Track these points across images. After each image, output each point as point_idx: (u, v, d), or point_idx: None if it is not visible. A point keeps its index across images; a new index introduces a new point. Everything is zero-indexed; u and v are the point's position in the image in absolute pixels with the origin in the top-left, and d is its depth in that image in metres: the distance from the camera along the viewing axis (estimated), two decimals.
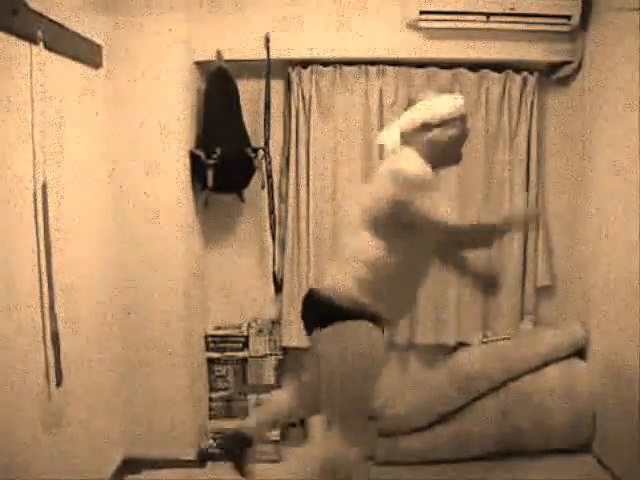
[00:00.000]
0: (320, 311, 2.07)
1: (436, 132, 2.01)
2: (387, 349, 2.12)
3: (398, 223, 1.95)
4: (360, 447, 2.05)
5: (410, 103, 2.12)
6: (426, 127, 2.01)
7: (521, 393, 2.83)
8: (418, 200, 1.89)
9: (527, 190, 3.07)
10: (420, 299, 3.04)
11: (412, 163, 1.96)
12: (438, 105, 2.03)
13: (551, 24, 2.79)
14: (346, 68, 2.96)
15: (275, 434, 2.93)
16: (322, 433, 2.27)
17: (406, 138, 2.05)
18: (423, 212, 1.90)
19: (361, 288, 1.99)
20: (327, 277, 2.12)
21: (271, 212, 3.02)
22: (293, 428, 3.03)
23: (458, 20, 2.77)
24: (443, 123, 2.01)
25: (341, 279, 2.03)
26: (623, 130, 2.61)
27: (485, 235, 2.10)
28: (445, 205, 1.93)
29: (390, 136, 2.11)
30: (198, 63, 2.86)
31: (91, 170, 2.46)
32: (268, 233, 3.06)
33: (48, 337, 2.02)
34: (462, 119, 2.06)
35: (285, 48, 2.84)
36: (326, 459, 2.10)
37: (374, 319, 2.02)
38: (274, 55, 2.84)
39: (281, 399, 2.49)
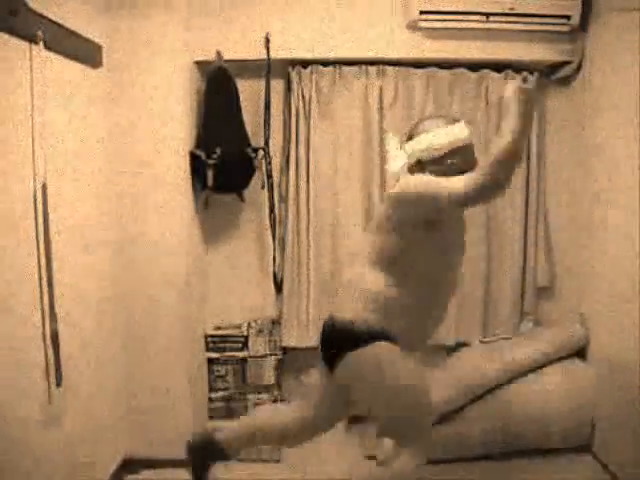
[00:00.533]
0: (336, 341, 1.97)
1: (434, 168, 1.94)
2: (417, 363, 2.01)
3: (407, 246, 1.89)
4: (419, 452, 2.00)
5: (412, 131, 2.03)
6: (427, 162, 1.95)
7: (521, 393, 2.83)
8: (413, 180, 1.85)
9: (527, 190, 3.07)
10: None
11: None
12: (439, 139, 1.93)
13: (551, 24, 2.79)
14: (346, 68, 2.96)
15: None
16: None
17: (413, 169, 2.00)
18: (427, 188, 1.79)
19: (375, 318, 1.91)
20: (337, 310, 2.02)
21: (271, 212, 3.02)
22: None
23: (458, 20, 2.77)
24: (445, 156, 1.93)
25: (352, 313, 1.94)
26: (623, 130, 2.61)
27: (511, 161, 1.72)
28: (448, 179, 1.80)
29: (397, 163, 2.02)
30: (198, 63, 2.86)
31: (91, 170, 2.46)
32: (268, 233, 3.06)
33: (48, 337, 2.02)
34: (467, 149, 1.95)
35: (285, 48, 2.84)
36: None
37: (390, 340, 1.92)
38: (274, 55, 2.84)
39: (276, 413, 2.30)
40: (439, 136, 1.94)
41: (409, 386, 1.96)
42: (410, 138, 2.02)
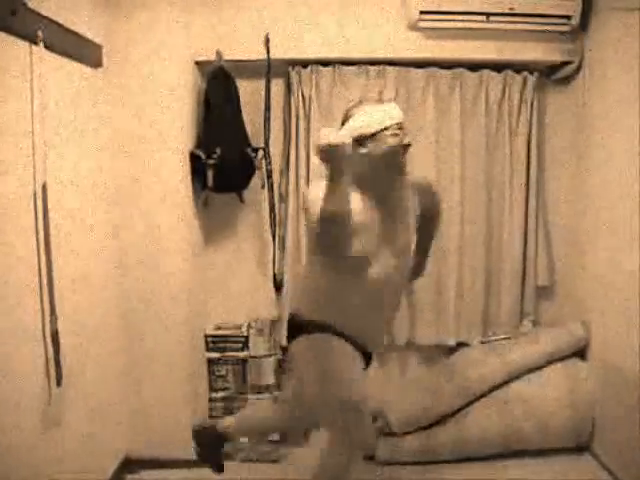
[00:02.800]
0: (289, 330, 2.16)
1: (370, 146, 1.93)
2: (350, 356, 2.06)
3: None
4: (352, 446, 2.06)
5: (346, 115, 2.02)
6: (360, 141, 1.93)
7: (521, 393, 2.83)
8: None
9: (527, 190, 3.07)
10: (420, 299, 3.07)
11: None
12: (369, 117, 1.94)
13: (551, 24, 2.79)
14: (346, 68, 2.96)
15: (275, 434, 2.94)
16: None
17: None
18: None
19: (309, 304, 2.07)
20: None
21: (271, 212, 3.02)
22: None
23: (458, 20, 2.77)
24: (376, 134, 1.92)
25: (297, 298, 2.16)
26: (623, 130, 2.61)
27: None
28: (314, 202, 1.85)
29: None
30: (198, 63, 2.86)
31: (90, 170, 2.46)
32: (268, 233, 3.06)
33: (48, 337, 2.02)
34: (399, 128, 1.94)
35: (285, 48, 2.84)
36: (321, 459, 2.15)
37: (332, 332, 2.02)
38: (274, 55, 2.84)
39: (266, 409, 2.55)
40: (371, 114, 1.94)
41: (335, 378, 2.03)
42: (344, 122, 2.01)
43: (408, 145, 1.95)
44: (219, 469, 2.51)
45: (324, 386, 2.03)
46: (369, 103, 2.04)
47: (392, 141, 1.92)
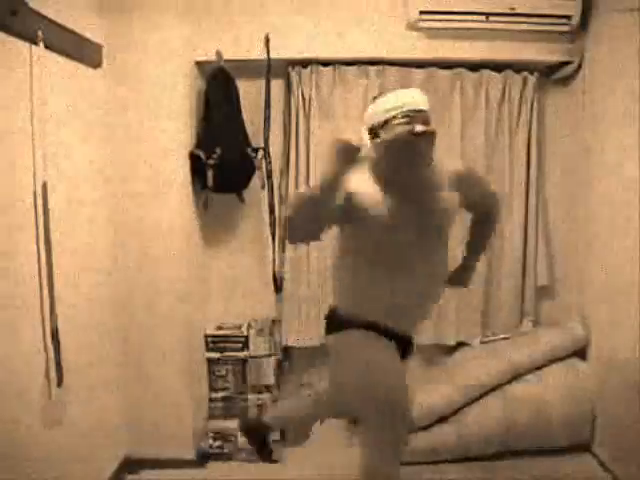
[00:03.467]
0: (326, 323, 2.12)
1: (382, 134, 1.83)
2: (392, 356, 1.98)
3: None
4: (393, 457, 1.94)
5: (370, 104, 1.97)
6: (372, 132, 1.86)
7: (521, 393, 2.83)
8: None
9: (527, 189, 3.07)
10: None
11: None
12: (376, 106, 1.85)
13: (551, 24, 2.79)
14: (346, 68, 2.96)
15: (275, 434, 2.93)
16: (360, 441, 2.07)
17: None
18: None
19: (342, 295, 2.03)
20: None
21: (271, 212, 3.02)
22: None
23: (458, 20, 2.77)
24: (386, 123, 1.82)
25: (336, 294, 2.08)
26: (623, 130, 2.61)
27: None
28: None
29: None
30: (198, 63, 2.86)
31: (91, 170, 2.46)
32: (268, 233, 3.06)
33: (48, 337, 2.02)
34: (407, 115, 1.79)
35: (285, 48, 2.84)
36: (363, 468, 1.98)
37: (368, 326, 1.96)
38: (274, 55, 2.84)
39: (303, 399, 2.56)
40: (380, 103, 1.86)
41: (377, 374, 1.95)
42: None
43: (424, 133, 1.79)
44: (268, 458, 2.65)
45: (366, 381, 1.94)
46: (390, 92, 1.92)
47: (399, 129, 1.79)
